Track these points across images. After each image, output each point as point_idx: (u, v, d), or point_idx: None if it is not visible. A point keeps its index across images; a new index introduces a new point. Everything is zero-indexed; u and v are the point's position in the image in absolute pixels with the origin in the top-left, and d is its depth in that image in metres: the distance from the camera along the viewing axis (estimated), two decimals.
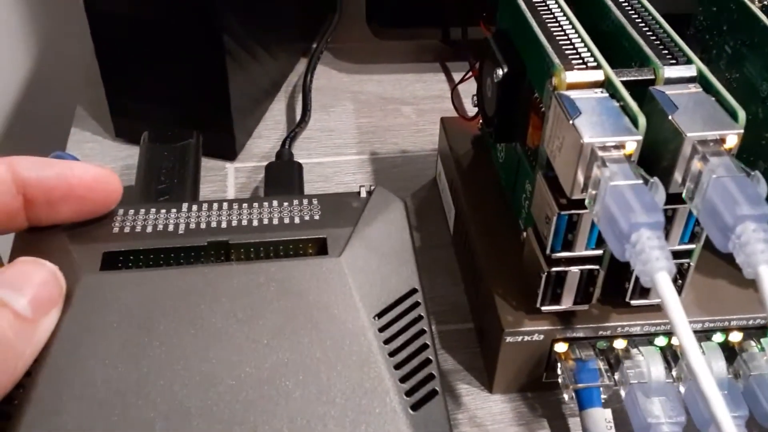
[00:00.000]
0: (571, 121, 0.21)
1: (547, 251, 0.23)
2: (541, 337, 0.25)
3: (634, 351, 0.26)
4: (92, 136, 0.39)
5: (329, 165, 0.38)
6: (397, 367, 0.22)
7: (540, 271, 0.24)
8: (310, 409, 0.21)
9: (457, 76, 0.44)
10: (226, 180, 0.37)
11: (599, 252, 0.24)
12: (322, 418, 0.21)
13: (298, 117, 0.41)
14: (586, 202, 0.21)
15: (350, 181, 0.37)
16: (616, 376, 0.26)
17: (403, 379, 0.22)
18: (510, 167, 0.29)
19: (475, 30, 0.44)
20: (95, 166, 0.24)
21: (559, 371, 0.26)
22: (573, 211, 0.23)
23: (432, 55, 0.46)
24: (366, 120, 0.41)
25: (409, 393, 0.22)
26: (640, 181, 0.20)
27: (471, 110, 0.42)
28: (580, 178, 0.21)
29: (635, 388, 0.25)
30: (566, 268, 0.24)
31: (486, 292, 0.27)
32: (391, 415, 0.21)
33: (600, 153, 0.21)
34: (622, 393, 0.25)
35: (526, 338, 0.25)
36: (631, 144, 0.21)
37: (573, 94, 0.22)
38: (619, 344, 0.26)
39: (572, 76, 0.23)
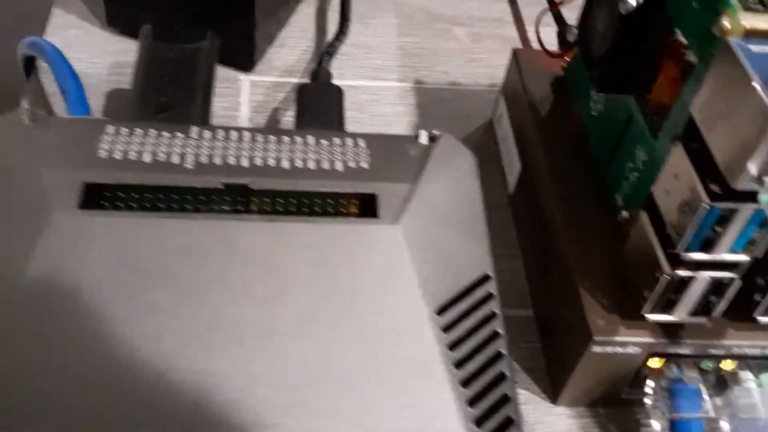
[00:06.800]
0: (755, 84, 0.15)
1: (678, 249, 0.18)
2: (638, 350, 0.20)
3: (744, 375, 0.21)
4: (77, 20, 0.32)
5: (365, 90, 0.31)
6: (465, 383, 0.17)
7: (657, 272, 0.18)
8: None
9: None
10: (239, 95, 0.30)
11: (743, 257, 0.18)
12: None
13: (329, 26, 0.34)
14: (761, 195, 0.16)
15: (389, 113, 0.31)
16: (718, 401, 0.21)
17: (471, 402, 0.17)
18: (610, 124, 0.23)
19: None
20: None
21: (648, 390, 0.21)
22: (730, 205, 0.17)
23: None
24: (410, 39, 0.34)
25: (479, 421, 0.16)
26: None
27: (534, 40, 0.35)
28: (757, 163, 0.15)
29: (743, 426, 0.20)
30: (694, 273, 0.18)
31: (566, 282, 0.21)
32: None
33: None
34: (723, 426, 0.20)
35: (618, 350, 0.20)
36: None
37: (753, 45, 0.16)
38: (727, 365, 0.21)
39: (751, 19, 0.17)
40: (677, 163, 0.18)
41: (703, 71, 0.18)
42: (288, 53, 0.32)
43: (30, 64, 0.30)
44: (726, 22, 0.17)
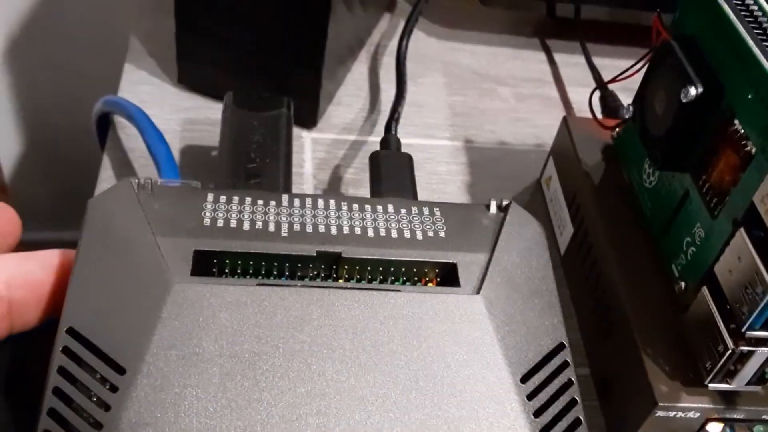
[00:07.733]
0: None
1: (743, 329, 0.19)
2: (698, 415, 0.21)
3: None
4: (148, 77, 0.33)
5: (419, 148, 0.33)
6: None
7: (720, 346, 0.20)
8: None
9: (559, 58, 0.39)
10: (303, 152, 0.32)
11: None
12: None
13: (382, 83, 0.36)
14: None
15: (443, 171, 0.32)
16: None
17: None
18: (665, 198, 0.25)
19: (590, 9, 0.39)
20: None
21: None
22: None
23: (530, 28, 0.41)
24: (459, 98, 0.36)
25: None
26: None
27: (577, 101, 0.37)
28: None
29: None
30: (755, 348, 0.20)
31: (628, 347, 0.23)
32: None
33: None
34: None
35: (680, 414, 0.21)
36: None
37: None
38: None
39: None
40: (740, 247, 0.20)
41: (764, 163, 0.20)
42: (345, 111, 0.34)
43: (103, 121, 0.31)
44: None
